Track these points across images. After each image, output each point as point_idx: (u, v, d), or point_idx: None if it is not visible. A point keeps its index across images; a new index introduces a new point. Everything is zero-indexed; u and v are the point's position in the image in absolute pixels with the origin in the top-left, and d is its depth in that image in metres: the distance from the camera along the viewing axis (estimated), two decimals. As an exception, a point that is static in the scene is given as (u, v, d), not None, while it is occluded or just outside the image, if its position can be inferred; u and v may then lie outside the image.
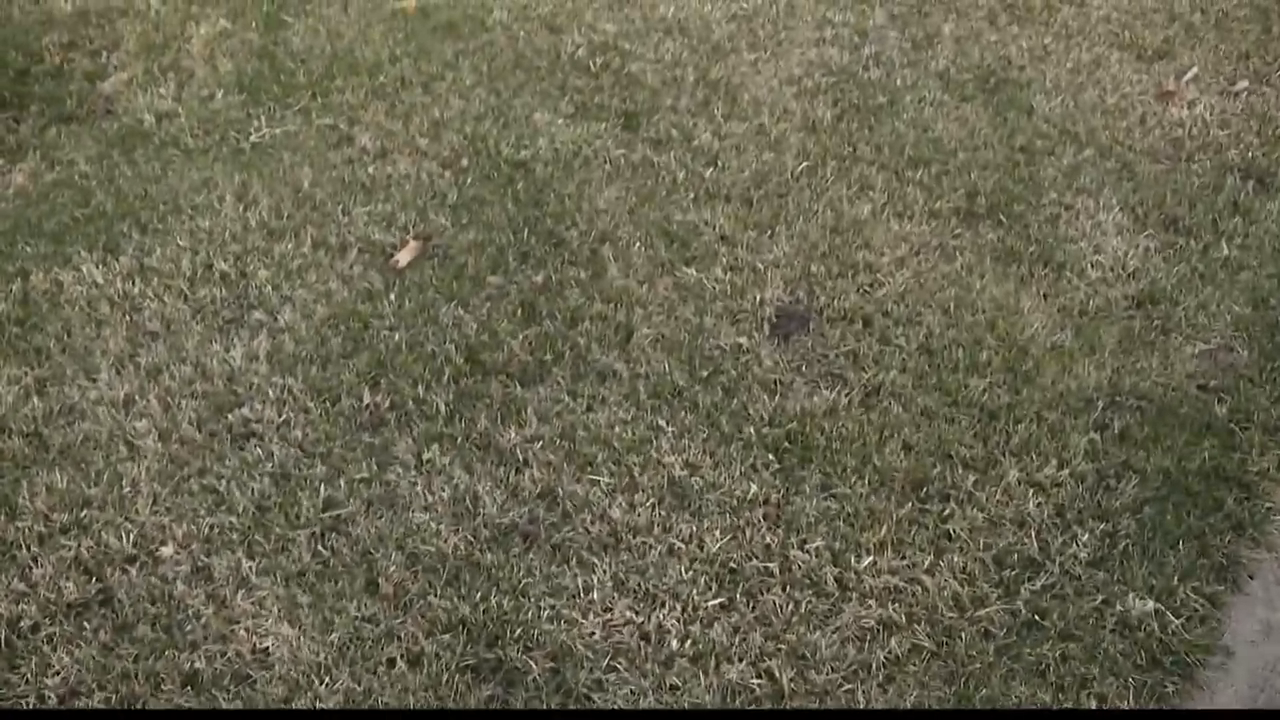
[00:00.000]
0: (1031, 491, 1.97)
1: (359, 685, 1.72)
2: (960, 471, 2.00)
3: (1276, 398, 2.16)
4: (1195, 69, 3.11)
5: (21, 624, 1.82)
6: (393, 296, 2.38)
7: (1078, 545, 1.88)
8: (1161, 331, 2.30)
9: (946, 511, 1.94)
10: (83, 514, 1.97)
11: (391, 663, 1.75)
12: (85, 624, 1.82)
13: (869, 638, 1.76)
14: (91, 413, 2.15)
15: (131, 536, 1.94)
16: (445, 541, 1.91)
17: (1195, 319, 2.33)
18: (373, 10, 3.36)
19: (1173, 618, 1.78)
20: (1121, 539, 1.89)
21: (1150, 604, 1.78)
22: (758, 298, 2.37)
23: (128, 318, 2.36)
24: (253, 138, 2.86)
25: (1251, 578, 1.86)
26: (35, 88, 3.11)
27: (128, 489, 2.02)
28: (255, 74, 3.08)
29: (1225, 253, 2.49)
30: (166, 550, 1.93)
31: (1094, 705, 1.66)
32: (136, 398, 2.18)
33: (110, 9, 3.40)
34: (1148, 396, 2.15)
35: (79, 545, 1.92)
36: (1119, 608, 1.79)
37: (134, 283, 2.43)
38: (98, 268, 2.47)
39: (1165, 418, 2.10)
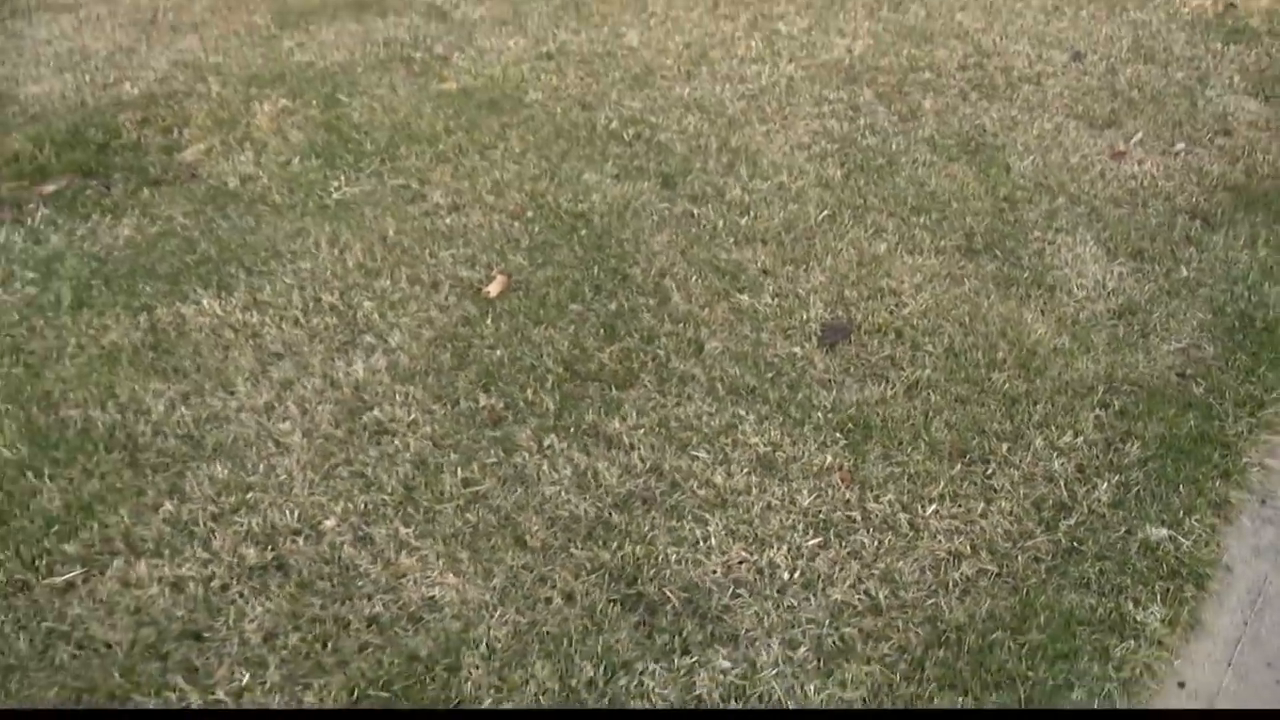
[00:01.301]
0: (1055, 454, 2.37)
1: (524, 618, 2.03)
2: (995, 442, 2.39)
3: (1242, 380, 2.59)
4: (1140, 134, 3.63)
5: (213, 584, 2.11)
6: (489, 321, 2.73)
7: (1099, 491, 2.27)
8: (1141, 335, 2.73)
9: (989, 471, 2.32)
10: (247, 496, 2.26)
11: (549, 600, 2.06)
12: (269, 582, 2.11)
13: (943, 565, 2.12)
14: (236, 418, 2.46)
15: (295, 514, 2.24)
16: (576, 507, 2.24)
17: (1167, 324, 2.77)
18: (419, 90, 3.76)
19: (1184, 540, 2.17)
20: (1134, 486, 2.29)
21: (1165, 531, 2.18)
22: (804, 316, 2.76)
23: (251, 342, 2.67)
24: (335, 195, 3.21)
25: (1240, 513, 2.27)
26: (117, 159, 3.44)
27: (284, 476, 2.31)
28: (325, 143, 3.45)
29: (1185, 274, 2.95)
30: (329, 523, 2.23)
31: (1130, 607, 2.04)
32: (275, 404, 2.49)
33: (175, 92, 3.76)
34: (1138, 383, 2.57)
35: (249, 522, 2.21)
36: (1140, 535, 2.18)
37: (251, 314, 2.75)
38: (215, 302, 2.79)
39: (1155, 398, 2.52)
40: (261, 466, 2.34)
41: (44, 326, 2.70)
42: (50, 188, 3.26)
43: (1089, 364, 2.63)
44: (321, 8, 4.48)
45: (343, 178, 3.28)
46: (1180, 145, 3.59)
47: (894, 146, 3.51)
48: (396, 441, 2.39)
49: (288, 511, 2.24)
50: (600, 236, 3.04)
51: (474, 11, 4.51)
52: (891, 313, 2.79)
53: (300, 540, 2.19)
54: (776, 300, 2.82)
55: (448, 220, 3.10)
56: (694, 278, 2.89)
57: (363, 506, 2.25)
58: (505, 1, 4.60)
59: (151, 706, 1.88)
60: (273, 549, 2.17)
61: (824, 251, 3.01)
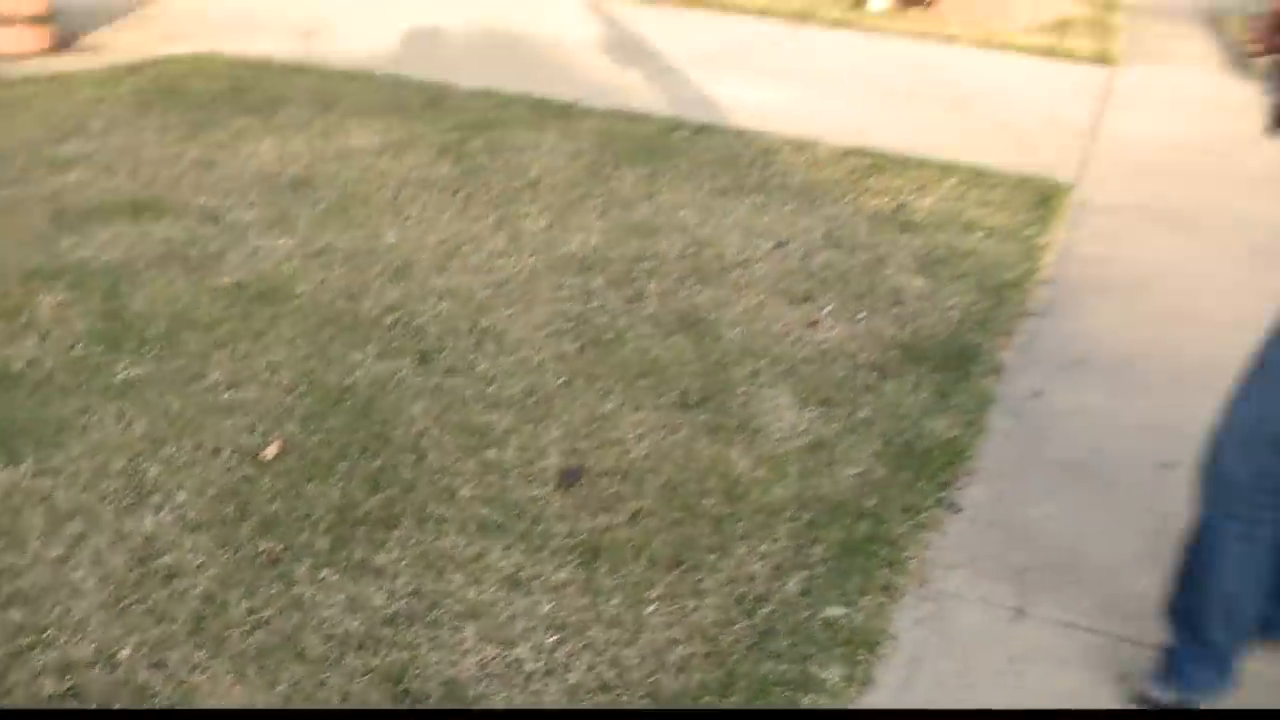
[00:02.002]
0: (755, 559, 2.87)
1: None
2: (705, 553, 2.88)
3: (905, 492, 3.18)
4: (830, 306, 4.33)
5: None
6: (266, 480, 3.08)
7: (790, 584, 2.78)
8: (827, 464, 3.31)
9: (700, 576, 2.80)
10: (44, 635, 2.52)
11: (327, 700, 2.40)
12: (66, 707, 2.37)
13: (662, 651, 2.56)
14: (30, 570, 2.72)
15: (92, 648, 2.50)
16: (349, 625, 2.59)
17: (849, 455, 3.36)
18: (196, 284, 4.14)
19: (857, 615, 2.70)
20: (818, 578, 2.81)
21: (842, 609, 2.70)
22: (543, 465, 3.23)
23: (42, 505, 2.94)
24: (119, 376, 3.53)
25: (904, 594, 2.82)
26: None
27: (79, 617, 2.57)
28: (107, 330, 3.77)
29: (863, 415, 3.58)
30: (124, 653, 2.50)
31: (815, 669, 2.53)
32: (69, 556, 2.76)
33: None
34: (824, 500, 3.13)
35: (46, 658, 2.46)
36: (822, 614, 2.69)
37: (42, 480, 3.03)
38: (3, 472, 3.05)
39: (837, 510, 3.08)
40: (57, 610, 2.60)
41: None
42: None
43: (784, 489, 3.18)
44: (98, 210, 4.82)
45: (126, 360, 3.60)
46: (862, 314, 4.29)
47: (621, 323, 4.09)
48: (186, 581, 2.70)
49: (84, 647, 2.50)
50: (365, 406, 3.45)
51: (245, 215, 4.93)
52: (618, 458, 3.28)
53: (96, 669, 2.45)
54: (520, 453, 3.28)
55: (227, 395, 3.46)
56: (448, 437, 3.33)
57: (156, 637, 2.54)
58: (274, 207, 5.04)
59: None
60: (70, 678, 2.42)
61: (560, 411, 3.50)
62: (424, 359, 3.76)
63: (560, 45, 10.18)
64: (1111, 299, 4.90)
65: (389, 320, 4.00)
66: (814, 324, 4.21)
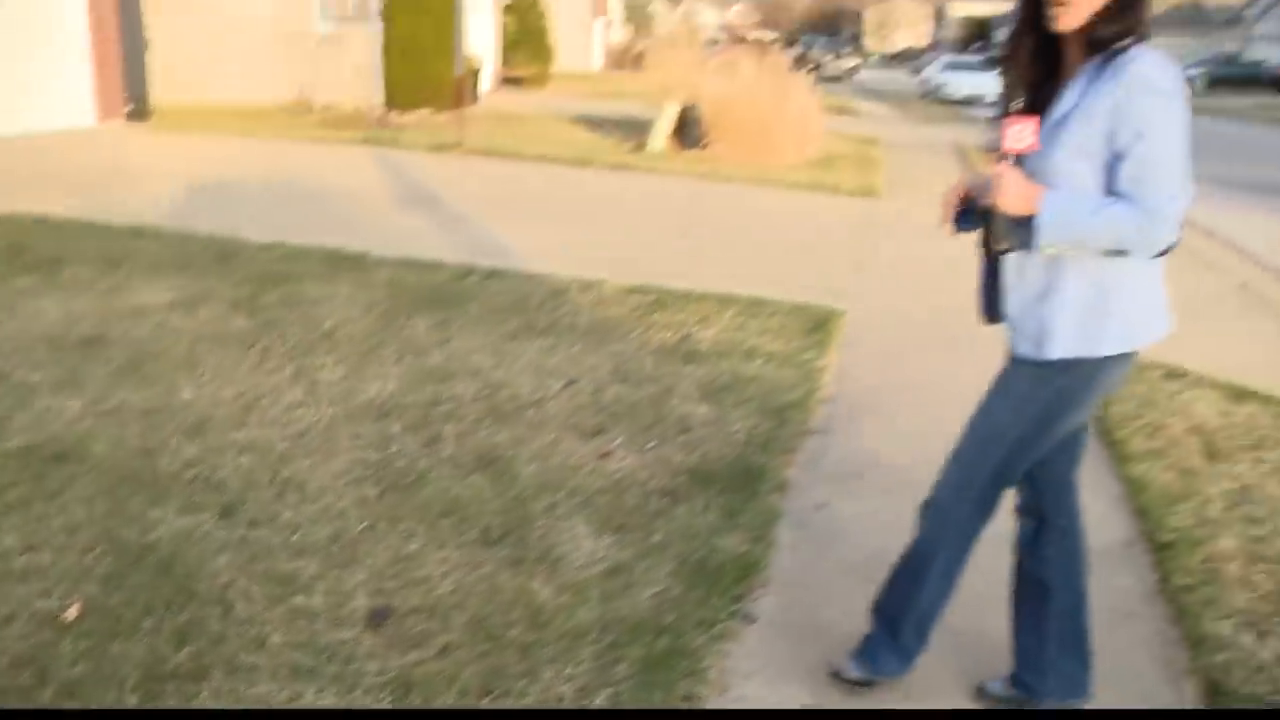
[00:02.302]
0: (562, 681, 3.00)
1: None
2: (514, 680, 3.00)
3: (699, 607, 3.38)
4: (620, 438, 4.56)
5: None
6: (68, 643, 3.07)
7: (596, 700, 2.94)
8: (626, 587, 3.49)
9: (509, 701, 2.93)
10: None
11: None
12: None
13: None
14: None
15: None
16: (161, 780, 2.62)
17: (646, 576, 3.54)
18: (-16, 453, 4.09)
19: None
20: (623, 693, 2.97)
21: (641, 725, 2.87)
22: (352, 607, 3.32)
23: None
24: (-94, 551, 3.46)
25: (704, 702, 3.00)
26: None
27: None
28: (-109, 506, 3.69)
29: (657, 539, 3.78)
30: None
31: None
32: None
33: None
34: (624, 620, 3.30)
35: None
36: (624, 731, 2.85)
37: None
38: None
39: (637, 629, 3.25)
40: None
41: None
42: None
43: (586, 613, 3.34)
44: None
45: (-85, 532, 3.53)
46: (652, 443, 4.53)
47: (421, 466, 4.22)
48: (-14, 753, 2.67)
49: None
50: (168, 562, 3.47)
51: (32, 376, 4.88)
52: (424, 596, 3.39)
53: None
54: (327, 597, 3.36)
55: (21, 560, 3.43)
56: (255, 587, 3.38)
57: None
58: (62, 366, 5.01)
59: None
60: None
61: (365, 555, 3.60)
62: (226, 512, 3.80)
63: (351, 196, 10.36)
64: (886, 414, 5.30)
65: (189, 476, 4.03)
66: (606, 456, 4.43)
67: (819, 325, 6.47)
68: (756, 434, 4.74)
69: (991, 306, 2.81)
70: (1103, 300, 2.61)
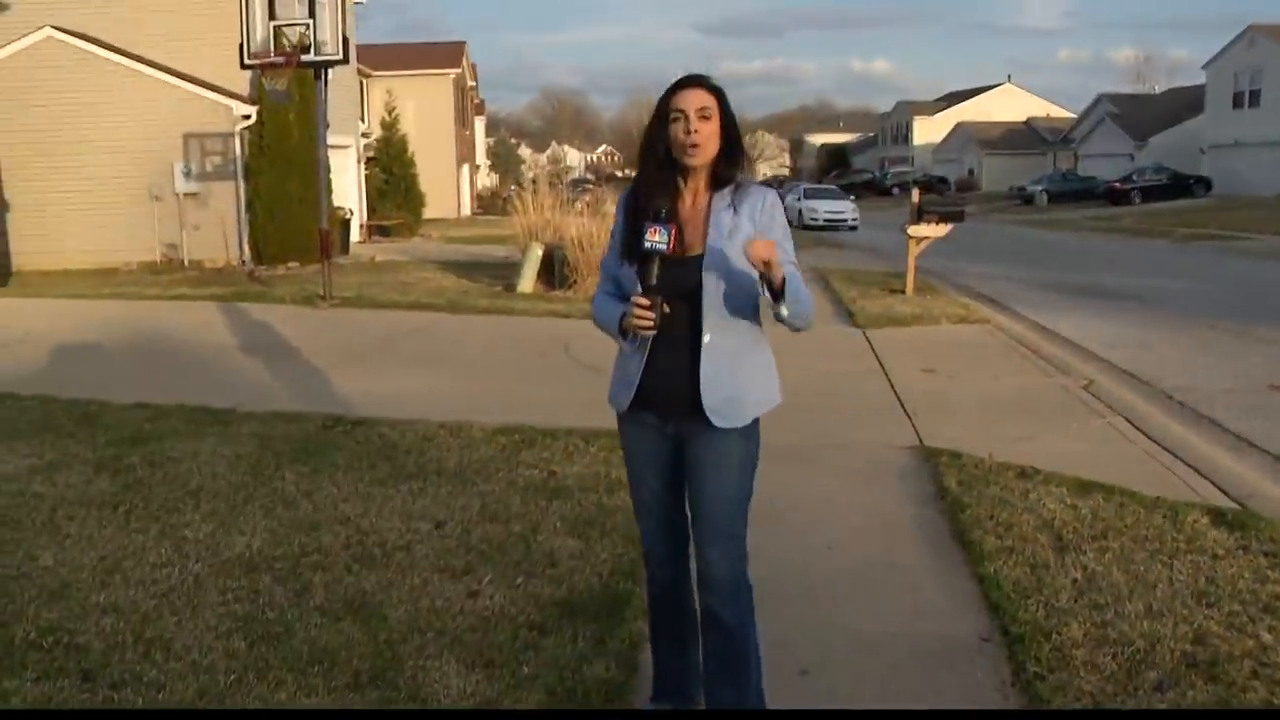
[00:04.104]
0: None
1: None
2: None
3: None
4: (490, 576, 4.63)
5: None
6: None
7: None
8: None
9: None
10: None
11: None
12: None
13: None
14: None
15: None
16: None
17: (516, 708, 3.61)
18: None
19: None
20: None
21: None
22: (219, 762, 3.31)
23: None
24: None
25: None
26: None
27: None
28: None
29: (527, 671, 3.84)
30: None
31: None
32: None
33: None
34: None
35: None
36: None
37: None
38: None
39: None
40: None
41: None
42: None
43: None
44: None
45: None
46: (520, 579, 4.61)
47: (290, 616, 4.23)
48: None
49: None
50: (26, 730, 3.43)
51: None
52: None
53: None
54: (197, 754, 3.35)
55: None
56: (120, 748, 3.35)
57: None
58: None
59: None
60: None
61: (232, 707, 3.59)
62: (87, 676, 3.76)
63: (217, 352, 10.34)
64: (749, 529, 5.43)
65: (47, 642, 3.98)
66: (475, 594, 4.49)
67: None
68: (622, 563, 4.85)
69: None
70: None
